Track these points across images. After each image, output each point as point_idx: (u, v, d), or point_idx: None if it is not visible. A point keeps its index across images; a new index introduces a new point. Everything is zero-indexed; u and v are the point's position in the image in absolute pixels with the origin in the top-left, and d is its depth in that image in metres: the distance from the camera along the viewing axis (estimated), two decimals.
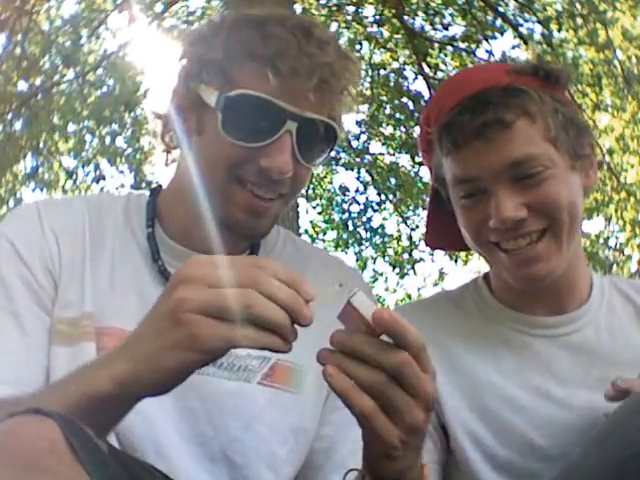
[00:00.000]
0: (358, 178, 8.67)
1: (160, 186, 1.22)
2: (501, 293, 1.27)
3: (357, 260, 8.68)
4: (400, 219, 8.51)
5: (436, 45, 7.29)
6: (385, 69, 7.83)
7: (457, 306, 1.31)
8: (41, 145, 7.21)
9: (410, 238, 8.50)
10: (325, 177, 9.07)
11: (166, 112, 1.15)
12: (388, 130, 8.18)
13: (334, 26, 7.32)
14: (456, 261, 8.13)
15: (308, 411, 1.13)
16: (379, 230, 8.67)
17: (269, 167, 1.03)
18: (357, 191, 8.71)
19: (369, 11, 7.49)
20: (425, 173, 7.68)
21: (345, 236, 8.74)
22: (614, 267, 7.63)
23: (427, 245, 1.43)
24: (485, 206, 1.15)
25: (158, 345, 0.73)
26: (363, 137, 8.28)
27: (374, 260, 8.71)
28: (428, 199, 1.34)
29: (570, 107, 1.20)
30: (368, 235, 8.67)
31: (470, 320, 1.28)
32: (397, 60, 7.74)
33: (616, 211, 7.51)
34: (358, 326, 0.75)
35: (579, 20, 6.81)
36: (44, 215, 1.12)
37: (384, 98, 7.95)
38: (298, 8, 6.56)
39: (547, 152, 1.14)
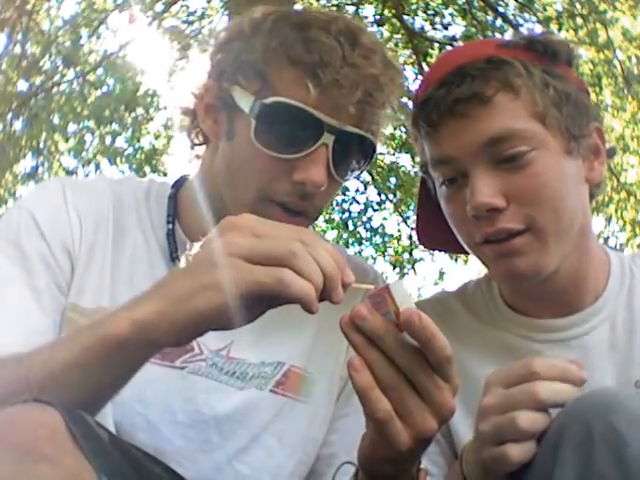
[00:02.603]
0: (358, 178, 8.65)
1: (183, 178, 1.16)
2: (508, 295, 1.18)
3: None
4: (400, 219, 8.50)
5: (436, 45, 7.28)
6: None
7: (468, 308, 1.22)
8: (41, 145, 7.21)
9: (410, 238, 8.48)
10: None
11: (194, 108, 1.09)
12: (388, 130, 8.17)
13: None
14: (456, 261, 8.12)
15: (318, 421, 1.11)
16: (379, 230, 8.67)
17: (303, 180, 0.99)
18: (357, 191, 8.70)
19: (369, 11, 7.50)
20: None
21: (345, 236, 8.74)
22: None
23: (421, 244, 1.32)
24: (466, 194, 1.04)
25: (192, 285, 0.71)
26: None
27: (374, 260, 8.69)
28: (418, 193, 1.24)
29: (569, 83, 1.07)
30: (368, 235, 8.66)
31: (480, 325, 1.19)
32: (397, 60, 7.73)
33: (616, 211, 7.50)
34: (385, 313, 0.72)
35: (579, 20, 6.80)
36: (69, 193, 1.07)
37: None
38: (298, 8, 6.56)
39: (532, 129, 1.02)
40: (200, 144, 1.11)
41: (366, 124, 1.02)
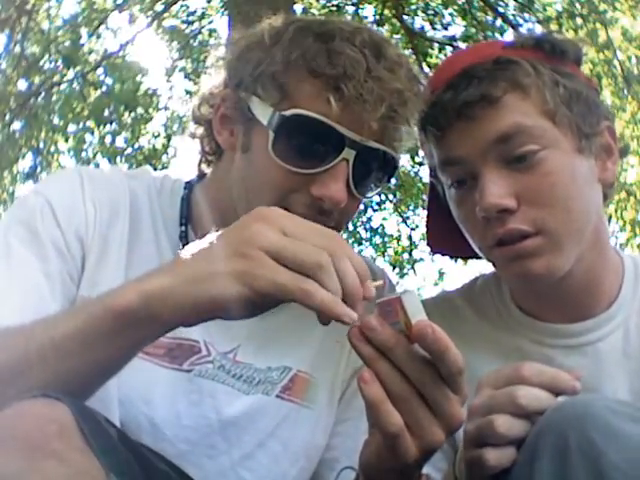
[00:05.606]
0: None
1: (195, 180, 1.14)
2: (520, 297, 1.14)
3: None
4: (400, 219, 8.51)
5: (436, 45, 7.29)
6: None
7: (476, 309, 1.18)
8: (41, 145, 7.21)
9: (410, 238, 8.49)
10: None
11: (208, 116, 1.06)
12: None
13: None
14: (456, 261, 8.13)
15: (322, 427, 1.10)
16: (379, 230, 8.67)
17: (321, 196, 0.96)
18: None
19: (369, 11, 7.50)
20: (425, 173, 7.67)
21: (345, 236, 8.74)
22: None
23: (431, 249, 1.28)
24: (475, 196, 1.02)
25: (211, 269, 0.69)
26: None
27: (374, 260, 8.70)
28: (427, 198, 1.22)
29: (578, 82, 1.05)
30: (368, 235, 8.67)
31: (489, 327, 1.15)
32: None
33: (616, 211, 7.49)
34: (395, 323, 0.71)
35: (579, 20, 6.80)
36: (87, 183, 1.05)
37: None
38: (298, 8, 6.56)
39: (542, 126, 1.00)
40: (213, 153, 1.09)
41: (388, 140, 0.99)
